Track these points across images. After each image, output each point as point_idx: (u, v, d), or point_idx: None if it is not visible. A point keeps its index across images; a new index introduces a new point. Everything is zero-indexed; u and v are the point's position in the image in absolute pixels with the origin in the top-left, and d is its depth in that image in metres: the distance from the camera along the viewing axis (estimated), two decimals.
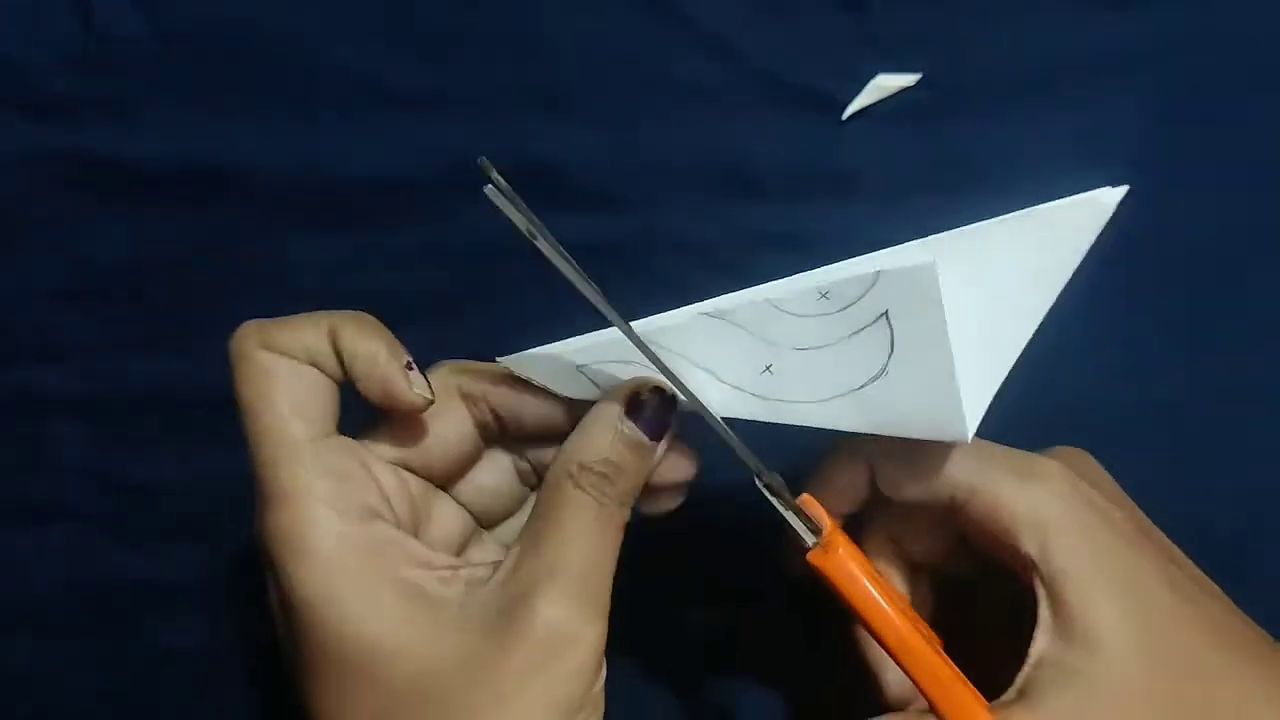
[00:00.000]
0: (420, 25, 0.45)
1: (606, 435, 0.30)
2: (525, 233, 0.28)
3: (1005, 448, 0.32)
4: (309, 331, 0.31)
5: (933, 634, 0.31)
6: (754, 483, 0.31)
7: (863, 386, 0.29)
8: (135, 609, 0.43)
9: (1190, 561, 0.33)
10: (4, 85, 0.45)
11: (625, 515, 0.31)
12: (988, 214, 0.42)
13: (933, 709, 0.30)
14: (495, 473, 0.35)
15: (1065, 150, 0.43)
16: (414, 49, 0.45)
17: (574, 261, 0.28)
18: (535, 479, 0.35)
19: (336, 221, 0.44)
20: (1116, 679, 0.29)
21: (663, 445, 0.31)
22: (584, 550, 0.29)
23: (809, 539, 0.31)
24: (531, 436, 0.34)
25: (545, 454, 0.34)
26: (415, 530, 0.32)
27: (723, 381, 0.31)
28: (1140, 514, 0.33)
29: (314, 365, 0.31)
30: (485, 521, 0.35)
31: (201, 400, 0.44)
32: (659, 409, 0.31)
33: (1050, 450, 0.33)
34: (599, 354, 0.31)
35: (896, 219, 0.43)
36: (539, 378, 0.32)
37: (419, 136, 0.44)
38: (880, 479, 0.33)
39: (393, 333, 0.43)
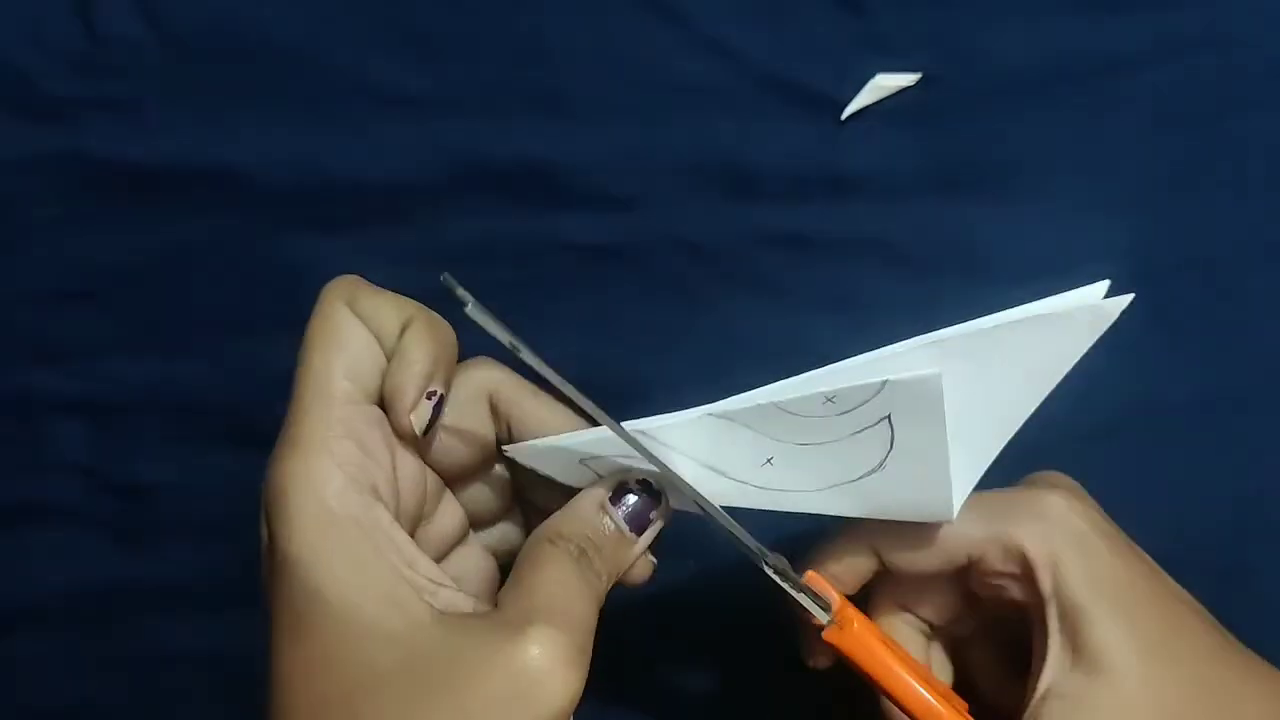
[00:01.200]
0: (420, 26, 0.45)
1: (589, 515, 0.31)
2: (509, 346, 0.29)
3: (1002, 494, 0.33)
4: (389, 309, 0.32)
5: (954, 695, 0.32)
6: (761, 569, 0.31)
7: (859, 479, 0.31)
8: (135, 609, 0.43)
9: (1161, 570, 0.34)
10: (4, 86, 0.45)
11: (603, 588, 0.31)
12: (987, 215, 0.43)
13: None
14: (492, 481, 0.35)
15: (1065, 150, 0.43)
16: (414, 49, 0.45)
17: (559, 373, 0.29)
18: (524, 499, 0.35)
19: (336, 221, 0.44)
20: (1121, 701, 0.30)
21: (644, 540, 0.32)
22: (570, 598, 0.29)
23: (822, 617, 0.31)
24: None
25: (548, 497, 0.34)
26: (416, 524, 0.32)
27: (725, 475, 0.31)
28: (1120, 531, 0.34)
29: (377, 339, 0.32)
30: (473, 524, 0.35)
31: (202, 400, 0.44)
32: (642, 503, 0.31)
33: (1034, 478, 0.34)
34: (601, 448, 0.31)
35: (896, 219, 0.43)
36: (542, 468, 0.32)
37: (419, 136, 0.44)
38: (889, 557, 0.33)
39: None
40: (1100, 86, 0.43)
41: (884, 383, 0.28)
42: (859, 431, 0.30)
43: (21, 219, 0.45)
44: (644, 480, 0.31)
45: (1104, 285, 0.31)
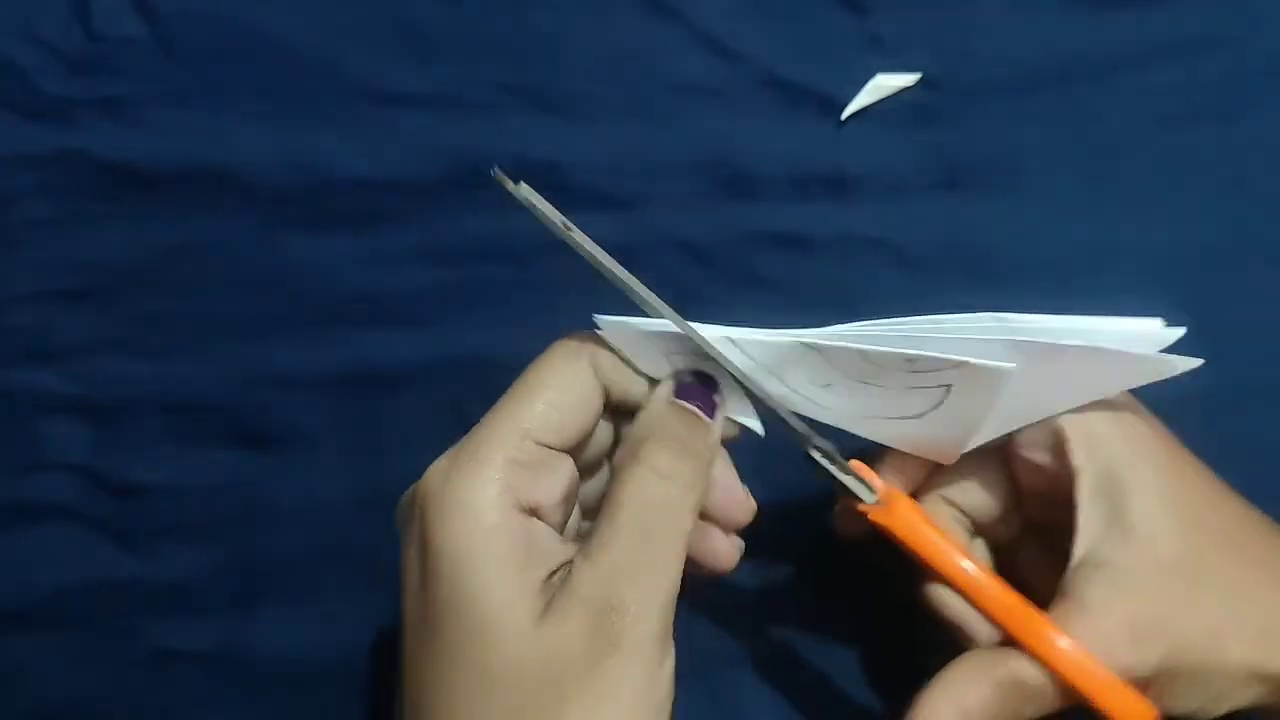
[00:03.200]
0: (420, 25, 0.45)
1: (662, 410, 0.32)
2: (561, 227, 0.30)
3: None
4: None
5: (989, 568, 0.33)
6: (806, 454, 0.33)
7: (897, 419, 0.33)
8: (135, 609, 0.43)
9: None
10: (3, 86, 0.45)
11: (700, 496, 0.31)
12: (987, 214, 0.43)
13: (1005, 634, 0.32)
14: (598, 438, 0.35)
15: (1065, 150, 0.43)
16: (414, 49, 0.45)
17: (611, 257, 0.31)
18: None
19: (336, 221, 0.44)
20: (1152, 561, 0.31)
21: (718, 422, 0.32)
22: (659, 552, 0.30)
23: (869, 498, 0.33)
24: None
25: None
26: (565, 521, 0.33)
27: (783, 383, 0.33)
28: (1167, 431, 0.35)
29: (596, 398, 0.32)
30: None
31: (202, 400, 0.44)
32: (702, 388, 0.32)
33: None
34: (682, 345, 0.32)
35: (896, 219, 0.43)
36: (626, 348, 0.32)
37: (418, 136, 0.44)
38: None
39: (391, 333, 0.43)
40: (1100, 86, 0.43)
41: (964, 362, 0.31)
42: (917, 388, 0.32)
43: (21, 219, 0.45)
44: (697, 370, 0.32)
45: (1179, 332, 0.33)
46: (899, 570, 0.35)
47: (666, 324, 0.31)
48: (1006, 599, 0.32)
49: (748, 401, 0.33)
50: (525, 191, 0.29)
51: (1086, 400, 0.33)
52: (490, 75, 0.44)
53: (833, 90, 0.43)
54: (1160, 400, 0.37)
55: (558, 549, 0.31)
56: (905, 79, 0.43)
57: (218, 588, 0.43)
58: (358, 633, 0.41)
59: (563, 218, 0.29)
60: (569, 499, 0.32)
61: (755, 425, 0.33)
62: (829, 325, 0.39)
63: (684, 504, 0.30)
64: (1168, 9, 0.43)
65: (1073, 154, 0.43)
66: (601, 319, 0.32)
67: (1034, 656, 0.31)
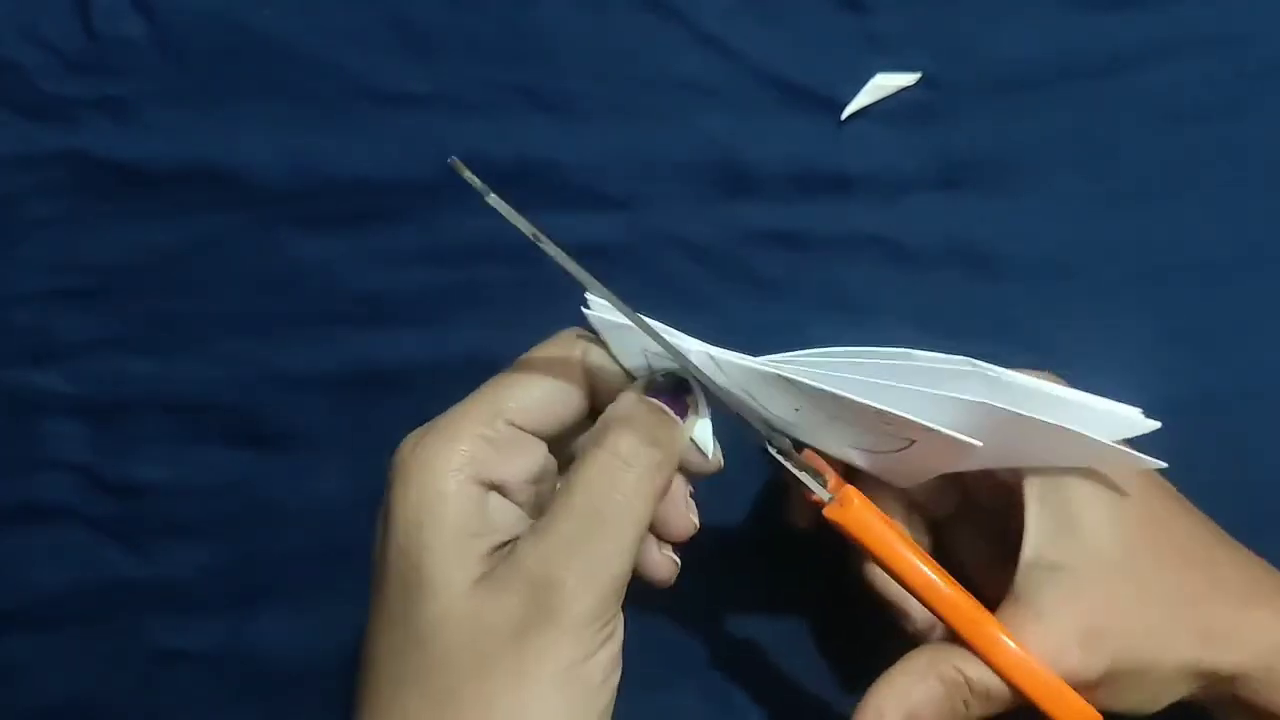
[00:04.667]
0: (420, 25, 0.45)
1: (631, 400, 0.32)
2: (530, 236, 0.29)
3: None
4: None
5: (938, 565, 0.33)
6: (762, 449, 0.33)
7: (866, 451, 0.33)
8: (135, 609, 0.43)
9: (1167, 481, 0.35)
10: (3, 85, 0.45)
11: (658, 489, 0.31)
12: (987, 214, 0.43)
13: (953, 633, 0.32)
14: (579, 432, 0.35)
15: (1065, 150, 0.43)
16: (413, 49, 0.45)
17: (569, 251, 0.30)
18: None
19: (336, 221, 0.44)
20: (1098, 567, 0.32)
21: (689, 424, 0.32)
22: (617, 540, 0.30)
23: (823, 494, 0.33)
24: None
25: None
26: (535, 504, 0.32)
27: (755, 401, 0.32)
28: None
29: (579, 391, 0.32)
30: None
31: (201, 400, 0.44)
32: (673, 391, 0.32)
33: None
34: (661, 347, 0.32)
35: (895, 218, 0.43)
36: (611, 340, 0.32)
37: (418, 136, 0.44)
38: None
39: (391, 333, 0.43)
40: (1100, 86, 0.43)
41: (933, 430, 0.30)
42: (885, 434, 0.32)
43: (21, 219, 0.45)
44: (669, 373, 0.32)
45: (1154, 424, 0.33)
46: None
47: (641, 320, 0.31)
48: (955, 598, 0.32)
49: (709, 425, 0.33)
50: (494, 201, 0.29)
51: (1046, 464, 0.33)
52: (490, 75, 0.44)
53: (833, 90, 0.43)
54: (1160, 400, 0.37)
55: (515, 525, 0.31)
56: (905, 79, 0.43)
57: (218, 588, 0.43)
58: (358, 633, 0.41)
59: (532, 227, 0.29)
60: (539, 482, 0.32)
61: (709, 451, 0.33)
62: (818, 327, 0.39)
63: (639, 491, 0.30)
64: (1168, 9, 0.43)
65: (1072, 153, 0.43)
66: (592, 301, 0.31)
67: (981, 658, 0.31)
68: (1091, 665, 0.31)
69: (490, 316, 0.43)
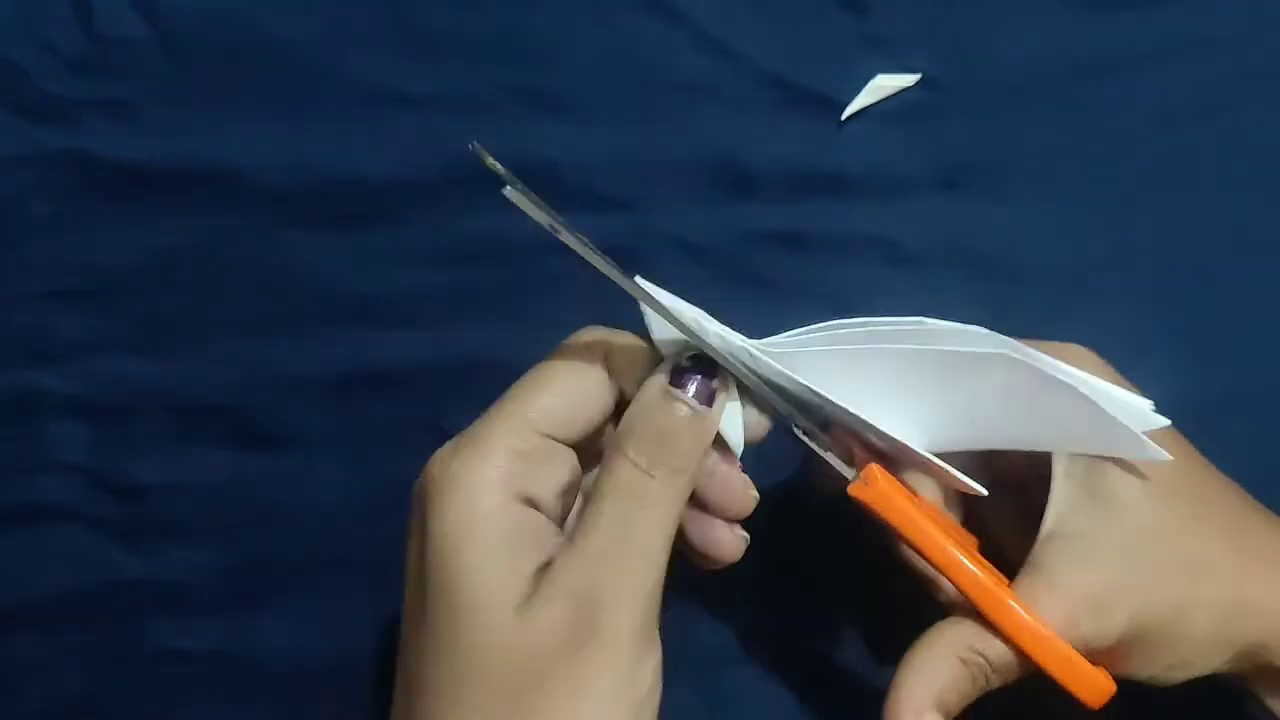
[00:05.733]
0: (420, 25, 0.45)
1: (656, 403, 0.31)
2: (548, 226, 0.29)
3: (1034, 341, 0.34)
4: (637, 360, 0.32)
5: (967, 535, 0.34)
6: (789, 430, 0.33)
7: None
8: (135, 609, 0.43)
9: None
10: (4, 86, 0.45)
11: (684, 489, 0.31)
12: (987, 214, 0.43)
13: (972, 608, 0.32)
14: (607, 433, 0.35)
15: (1065, 150, 0.43)
16: (413, 49, 0.45)
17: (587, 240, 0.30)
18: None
19: (336, 221, 0.44)
20: (1116, 535, 0.32)
21: (715, 410, 0.31)
22: (642, 547, 0.30)
23: (849, 473, 0.33)
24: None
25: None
26: (564, 515, 0.32)
27: (781, 397, 0.32)
28: None
29: (607, 395, 0.32)
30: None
31: (201, 400, 0.44)
32: (702, 377, 0.31)
33: (1053, 346, 0.34)
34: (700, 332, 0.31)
35: (896, 219, 0.43)
36: (653, 312, 0.31)
37: (418, 136, 0.44)
38: None
39: (392, 333, 0.43)
40: (1100, 86, 0.43)
41: (946, 469, 0.32)
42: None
43: (21, 219, 0.45)
44: (696, 354, 0.31)
45: (1163, 421, 0.33)
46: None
47: (688, 313, 0.31)
48: (975, 574, 0.32)
49: (739, 410, 0.32)
50: (513, 195, 0.28)
51: (1058, 449, 0.33)
52: (490, 75, 0.44)
53: (833, 90, 0.43)
54: (1160, 402, 0.37)
55: (552, 541, 0.31)
56: (905, 79, 0.43)
57: (218, 588, 0.43)
58: (358, 633, 0.41)
59: (550, 219, 0.29)
60: (570, 492, 0.32)
61: (737, 445, 0.32)
62: (827, 324, 0.39)
63: (666, 497, 0.30)
64: (1168, 9, 0.43)
65: (1072, 154, 0.43)
66: (641, 280, 0.31)
67: (996, 630, 0.31)
68: (1104, 631, 0.31)
69: (490, 316, 0.43)
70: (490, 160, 0.28)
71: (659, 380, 0.31)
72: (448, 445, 0.31)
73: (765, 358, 0.31)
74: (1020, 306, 0.42)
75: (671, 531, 0.30)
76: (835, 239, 0.43)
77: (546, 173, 0.43)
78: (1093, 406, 0.32)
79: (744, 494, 0.32)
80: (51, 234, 0.45)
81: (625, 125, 0.44)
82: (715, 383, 0.31)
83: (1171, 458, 0.32)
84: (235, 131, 0.45)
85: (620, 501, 0.30)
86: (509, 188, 0.28)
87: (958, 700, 0.32)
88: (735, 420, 0.32)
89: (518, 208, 0.29)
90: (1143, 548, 0.32)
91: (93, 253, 0.45)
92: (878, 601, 0.40)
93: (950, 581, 0.33)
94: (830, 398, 0.31)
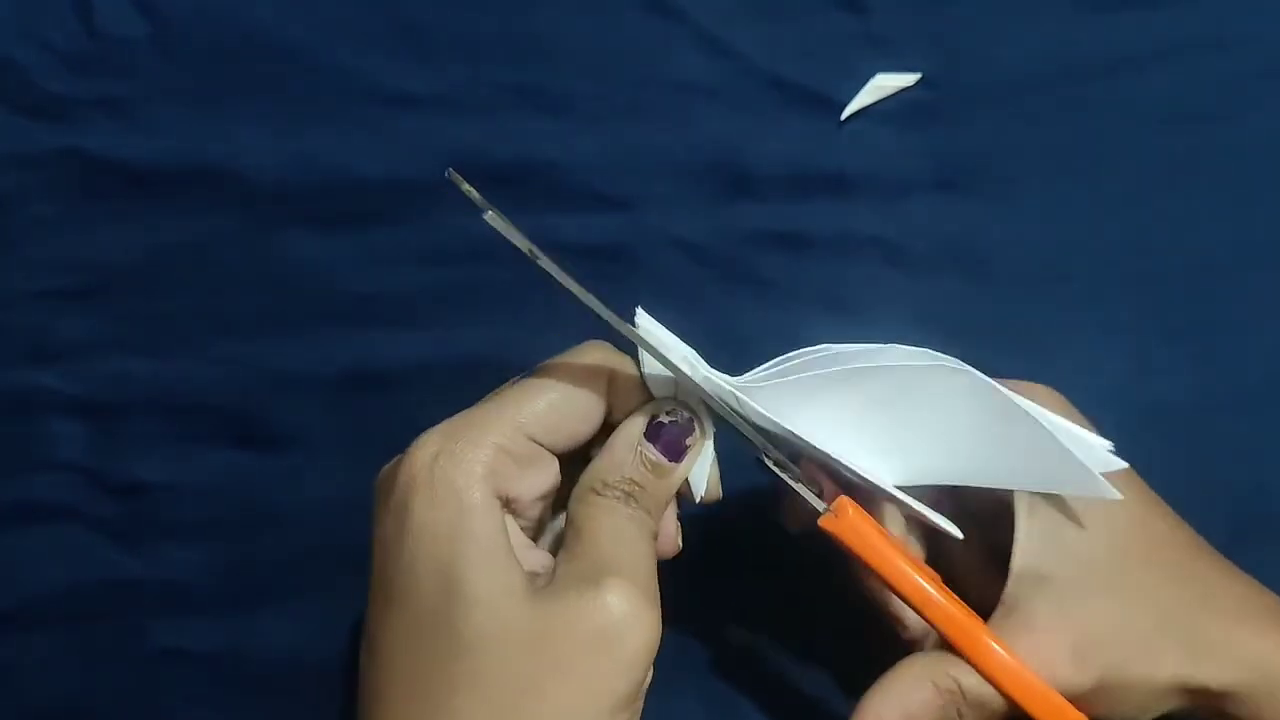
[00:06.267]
0: (419, 25, 0.45)
1: (628, 455, 0.32)
2: (527, 253, 0.29)
3: (1001, 382, 0.33)
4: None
5: (933, 572, 0.34)
6: (761, 460, 0.33)
7: None
8: (135, 609, 0.43)
9: (1152, 490, 0.35)
10: (4, 85, 0.45)
11: (654, 526, 0.32)
12: (986, 214, 0.43)
13: (947, 642, 0.32)
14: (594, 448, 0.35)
15: (1065, 150, 0.43)
16: (413, 49, 0.45)
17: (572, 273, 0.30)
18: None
19: (336, 221, 0.44)
20: (1088, 581, 0.32)
21: (684, 465, 0.32)
22: (633, 546, 0.31)
23: (819, 505, 0.33)
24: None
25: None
26: (538, 521, 0.33)
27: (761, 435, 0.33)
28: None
29: (599, 411, 0.32)
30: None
31: (202, 400, 0.44)
32: (676, 430, 0.32)
33: (1017, 383, 0.34)
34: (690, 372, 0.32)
35: (895, 219, 0.43)
36: (645, 358, 0.32)
37: (418, 136, 0.44)
38: None
39: (391, 333, 0.43)
40: (1099, 88, 0.43)
41: (922, 511, 0.32)
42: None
43: (21, 218, 0.45)
44: (674, 408, 0.32)
45: (1121, 464, 0.33)
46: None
47: (679, 351, 0.31)
48: (948, 608, 0.32)
49: (708, 462, 0.33)
50: (491, 219, 0.29)
51: (1014, 487, 0.33)
52: (490, 75, 0.44)
53: (833, 90, 0.43)
54: (1158, 402, 0.37)
55: (525, 542, 0.31)
56: (905, 79, 0.43)
57: (218, 588, 0.43)
58: (357, 633, 0.41)
59: (529, 245, 0.29)
60: (546, 499, 0.32)
61: (698, 494, 0.33)
62: (818, 328, 0.39)
63: (648, 525, 0.32)
64: (1168, 10, 0.43)
65: (1072, 154, 0.43)
66: (640, 318, 0.31)
67: (974, 666, 0.32)
68: (1082, 677, 0.31)
69: (490, 316, 0.43)
70: (466, 186, 0.28)
71: (633, 432, 0.32)
72: (433, 435, 0.31)
73: (752, 403, 0.31)
74: (1018, 306, 0.42)
75: (651, 564, 0.31)
76: (835, 239, 0.43)
77: (546, 173, 0.43)
78: (1051, 440, 0.32)
79: (672, 542, 0.33)
80: (51, 234, 0.45)
81: (625, 125, 0.44)
82: (689, 439, 0.32)
83: (1123, 497, 0.32)
84: (235, 131, 0.45)
85: (601, 542, 0.31)
86: (489, 213, 0.29)
87: None
88: (703, 470, 0.33)
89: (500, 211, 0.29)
90: (1113, 595, 0.32)
91: (93, 253, 0.45)
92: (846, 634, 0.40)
93: (923, 616, 0.33)
94: (810, 440, 0.31)
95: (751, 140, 0.43)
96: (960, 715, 0.32)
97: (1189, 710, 0.33)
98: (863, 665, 0.40)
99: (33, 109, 0.45)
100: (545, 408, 0.31)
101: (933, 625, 0.33)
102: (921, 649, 0.34)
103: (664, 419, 0.32)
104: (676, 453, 0.32)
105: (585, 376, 0.32)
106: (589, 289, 0.30)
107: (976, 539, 0.36)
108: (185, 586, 0.43)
